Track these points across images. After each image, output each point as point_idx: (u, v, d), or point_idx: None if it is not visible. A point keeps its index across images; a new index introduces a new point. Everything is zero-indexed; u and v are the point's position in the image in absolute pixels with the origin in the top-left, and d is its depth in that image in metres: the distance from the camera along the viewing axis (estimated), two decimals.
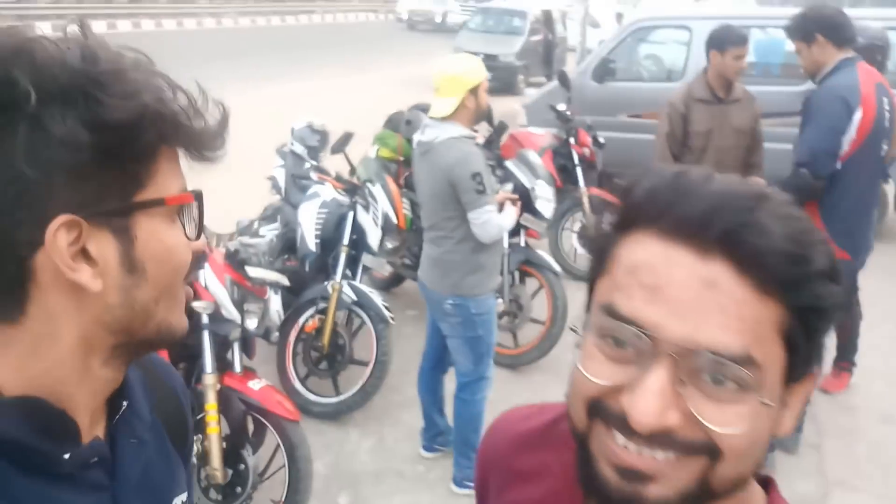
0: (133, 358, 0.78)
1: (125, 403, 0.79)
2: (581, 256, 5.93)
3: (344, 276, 3.94)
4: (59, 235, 0.66)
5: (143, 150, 0.70)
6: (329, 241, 4.06)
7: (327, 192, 4.24)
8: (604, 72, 7.63)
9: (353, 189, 4.01)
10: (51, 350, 0.70)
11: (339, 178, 4.05)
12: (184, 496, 0.88)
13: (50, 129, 0.64)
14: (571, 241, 5.90)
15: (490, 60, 14.98)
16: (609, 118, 7.63)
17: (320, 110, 7.48)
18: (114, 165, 0.68)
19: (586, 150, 5.86)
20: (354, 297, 3.84)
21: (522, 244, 4.52)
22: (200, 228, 0.78)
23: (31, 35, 0.67)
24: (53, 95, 0.64)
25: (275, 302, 4.12)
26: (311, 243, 4.06)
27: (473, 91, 3.03)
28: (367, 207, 4.00)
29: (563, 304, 4.32)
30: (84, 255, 0.68)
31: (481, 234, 3.00)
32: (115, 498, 0.76)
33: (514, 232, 4.56)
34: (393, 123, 5.25)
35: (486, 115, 3.13)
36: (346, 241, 3.96)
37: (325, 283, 3.92)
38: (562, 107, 5.94)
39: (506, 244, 4.39)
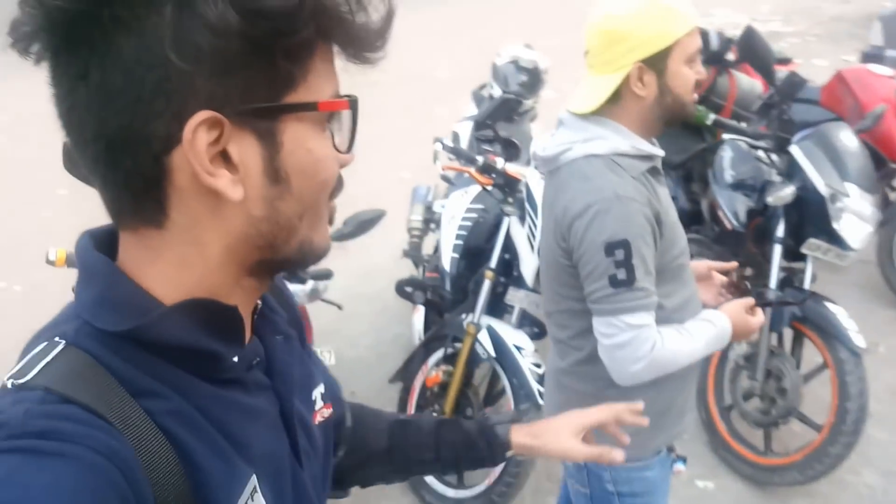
0: (275, 273, 0.73)
1: (259, 302, 0.77)
2: None
3: (489, 313, 2.61)
4: (198, 134, 0.59)
5: (298, 44, 0.61)
6: (475, 257, 2.71)
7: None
8: None
9: (506, 185, 2.56)
10: (199, 259, 0.65)
11: (486, 167, 2.56)
12: (321, 387, 0.88)
13: (199, 11, 0.57)
14: None
15: None
16: None
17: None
18: (264, 60, 0.60)
19: None
20: (492, 353, 2.50)
21: (806, 284, 2.72)
22: (352, 140, 0.70)
23: None
24: None
25: (417, 320, 2.95)
26: (446, 259, 2.75)
27: (654, 63, 1.47)
28: (523, 218, 2.55)
29: (858, 405, 2.51)
30: (224, 158, 0.62)
31: (610, 365, 1.48)
32: (278, 394, 0.75)
33: (795, 256, 2.76)
34: None
35: (692, 109, 1.51)
36: (493, 262, 2.58)
37: (463, 315, 2.63)
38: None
39: (773, 282, 2.65)
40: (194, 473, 0.62)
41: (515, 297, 2.61)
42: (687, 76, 1.51)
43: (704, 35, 3.60)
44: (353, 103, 0.68)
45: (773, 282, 2.66)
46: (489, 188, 2.56)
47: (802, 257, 2.75)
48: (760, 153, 2.80)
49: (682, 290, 1.58)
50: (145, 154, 0.60)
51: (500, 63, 3.66)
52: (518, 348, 2.49)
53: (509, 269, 2.64)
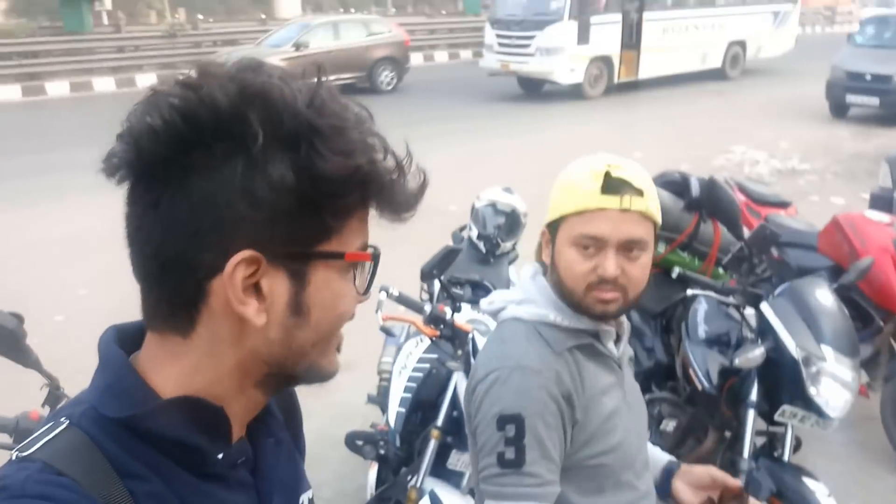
0: (282, 387, 0.81)
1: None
2: None
3: (440, 475, 2.42)
4: (238, 268, 0.69)
5: (344, 206, 0.72)
6: (430, 410, 2.55)
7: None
8: None
9: (454, 338, 2.43)
10: (213, 369, 0.74)
11: (433, 318, 2.43)
12: (310, 493, 0.91)
13: (267, 171, 0.67)
14: None
15: (881, 83, 11.85)
16: None
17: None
18: (310, 214, 0.70)
19: None
20: None
21: (786, 454, 2.50)
22: (370, 283, 0.80)
23: (271, 75, 0.70)
24: (278, 139, 0.68)
25: (371, 475, 2.77)
26: (392, 413, 2.60)
27: (552, 234, 1.41)
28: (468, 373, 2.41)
29: None
30: (256, 289, 0.71)
31: None
32: (260, 495, 0.81)
33: (769, 419, 2.55)
34: None
35: (580, 298, 1.35)
36: (440, 420, 2.42)
37: (409, 478, 2.44)
38: None
39: (746, 451, 2.43)
40: None
41: (460, 461, 2.43)
42: (569, 260, 1.34)
43: (685, 180, 3.54)
44: (375, 256, 0.77)
45: (746, 451, 2.45)
46: (436, 340, 2.44)
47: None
48: (732, 310, 2.65)
49: (607, 497, 1.38)
50: (190, 278, 0.70)
51: (479, 205, 3.63)
52: None
53: (458, 427, 2.47)
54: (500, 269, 3.52)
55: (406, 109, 12.81)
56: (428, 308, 2.46)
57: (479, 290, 3.25)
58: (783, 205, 4.38)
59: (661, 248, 3.61)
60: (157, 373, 0.74)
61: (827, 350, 2.39)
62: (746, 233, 2.81)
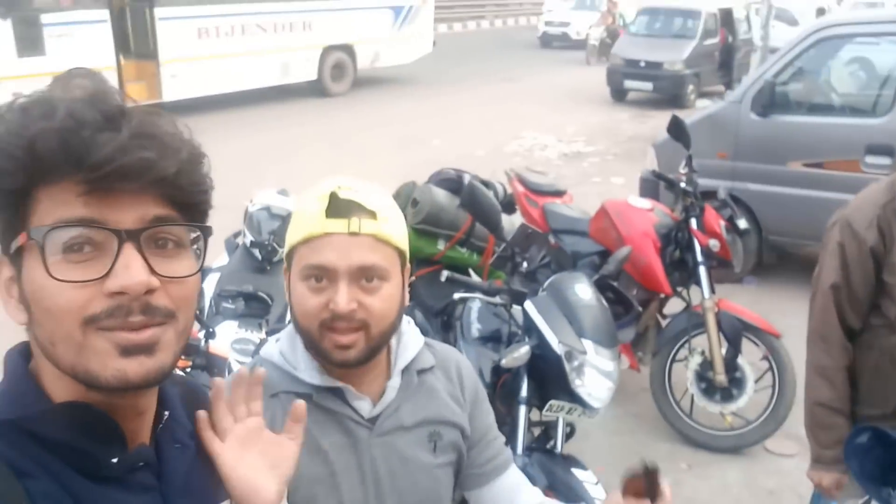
0: (101, 393, 0.74)
1: (167, 413, 0.85)
2: (700, 409, 3.77)
3: None
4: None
5: (8, 185, 0.72)
6: None
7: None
8: (769, 100, 5.29)
9: (209, 367, 2.24)
10: (49, 368, 0.75)
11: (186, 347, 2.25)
12: (227, 503, 0.90)
13: None
14: (685, 382, 3.76)
15: (653, 69, 12.88)
16: (775, 168, 5.33)
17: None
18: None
19: (714, 243, 3.68)
20: None
21: (558, 445, 2.56)
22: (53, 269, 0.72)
23: None
24: None
25: None
26: None
27: (289, 264, 1.21)
28: None
29: None
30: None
31: None
32: (164, 497, 0.80)
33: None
34: (401, 199, 3.44)
35: (318, 342, 1.14)
36: None
37: None
38: (667, 169, 3.82)
39: (519, 447, 2.47)
40: None
41: None
42: (300, 296, 1.15)
43: (460, 178, 3.56)
44: (39, 235, 0.71)
45: (520, 446, 2.47)
46: (187, 371, 2.23)
47: None
48: (501, 309, 2.67)
49: None
50: None
51: (252, 209, 3.42)
52: None
53: None
54: (277, 277, 3.33)
55: None
56: None
57: (253, 302, 3.06)
58: (559, 193, 4.56)
59: (441, 246, 3.61)
60: (45, 378, 0.76)
61: (587, 343, 2.46)
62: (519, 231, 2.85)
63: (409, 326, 1.30)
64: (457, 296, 2.51)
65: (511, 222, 3.40)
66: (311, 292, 1.13)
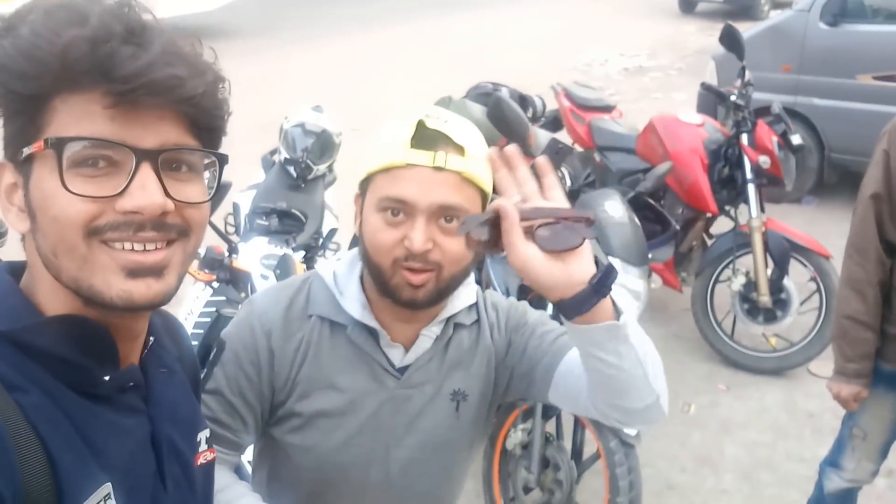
0: (97, 309, 0.73)
1: (152, 339, 0.85)
2: (742, 331, 3.68)
3: None
4: (1, 174, 0.75)
5: (32, 91, 0.70)
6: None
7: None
8: (841, 7, 4.93)
9: (234, 282, 2.29)
10: (51, 283, 0.74)
11: (209, 261, 2.25)
12: (207, 432, 0.92)
13: None
14: (728, 302, 3.67)
15: None
16: (843, 81, 5.01)
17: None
18: (13, 107, 0.71)
19: (765, 159, 3.51)
20: None
21: None
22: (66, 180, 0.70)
23: None
24: None
25: None
26: None
27: (362, 194, 1.17)
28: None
29: (628, 499, 2.32)
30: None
31: None
32: (152, 421, 0.81)
33: None
34: None
35: (389, 277, 1.11)
36: None
37: None
38: (725, 83, 3.62)
39: None
40: (50, 462, 0.68)
41: None
42: (374, 229, 1.10)
43: (497, 92, 3.45)
44: (56, 144, 0.69)
45: None
46: (214, 285, 2.28)
47: None
48: None
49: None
50: None
51: (287, 126, 3.41)
52: None
53: None
54: (313, 195, 3.35)
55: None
56: (203, 251, 2.28)
57: (287, 219, 3.09)
58: (607, 108, 4.40)
59: None
60: (40, 293, 0.74)
61: (615, 261, 2.42)
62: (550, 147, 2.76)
63: (468, 278, 1.23)
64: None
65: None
66: (386, 226, 1.08)
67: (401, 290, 1.10)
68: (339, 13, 12.93)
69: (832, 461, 2.24)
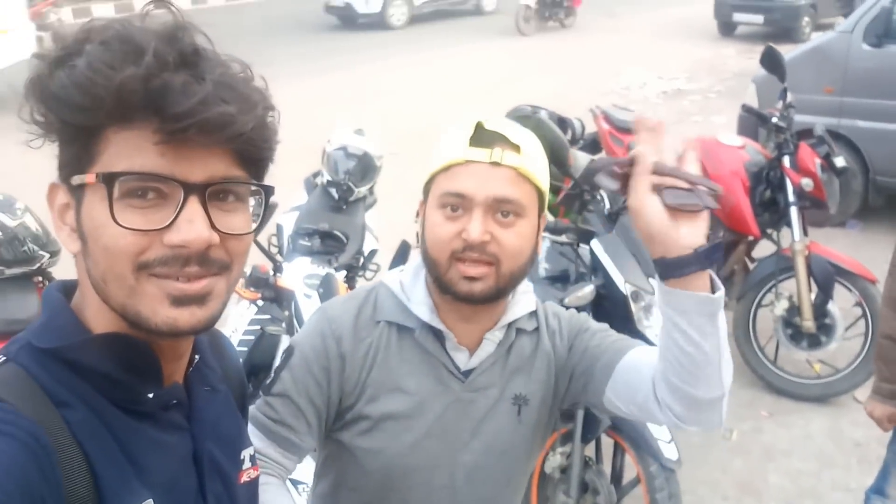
0: (143, 333, 0.75)
1: (197, 357, 0.86)
2: (785, 356, 3.62)
3: None
4: (53, 194, 0.77)
5: (87, 124, 0.72)
6: (258, 378, 2.45)
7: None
8: (885, 28, 4.87)
9: (278, 300, 2.33)
10: (99, 304, 0.76)
11: (255, 280, 2.31)
12: (251, 450, 0.93)
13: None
14: (771, 327, 3.62)
15: (764, 0, 12.04)
16: (887, 102, 4.93)
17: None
18: (68, 136, 0.74)
19: (808, 182, 3.47)
20: None
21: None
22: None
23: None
24: (55, 62, 0.73)
25: None
26: None
27: (425, 199, 1.25)
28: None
29: None
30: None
31: None
32: (195, 438, 0.82)
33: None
34: None
35: (445, 272, 1.15)
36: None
37: None
38: (767, 105, 3.60)
39: None
40: (93, 477, 0.71)
41: None
42: (434, 223, 1.14)
43: (569, 122, 3.48)
44: (107, 178, 0.71)
45: None
46: (259, 303, 2.33)
47: None
48: (567, 248, 2.63)
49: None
50: None
51: (329, 149, 3.47)
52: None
53: None
54: (354, 216, 3.40)
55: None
56: (248, 270, 2.34)
57: (329, 240, 3.14)
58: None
59: None
60: (89, 311, 0.77)
61: (655, 283, 2.40)
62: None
63: (527, 286, 1.28)
64: None
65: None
66: (445, 220, 1.13)
67: (456, 284, 1.13)
68: (380, 38, 13.13)
69: (878, 488, 2.19)
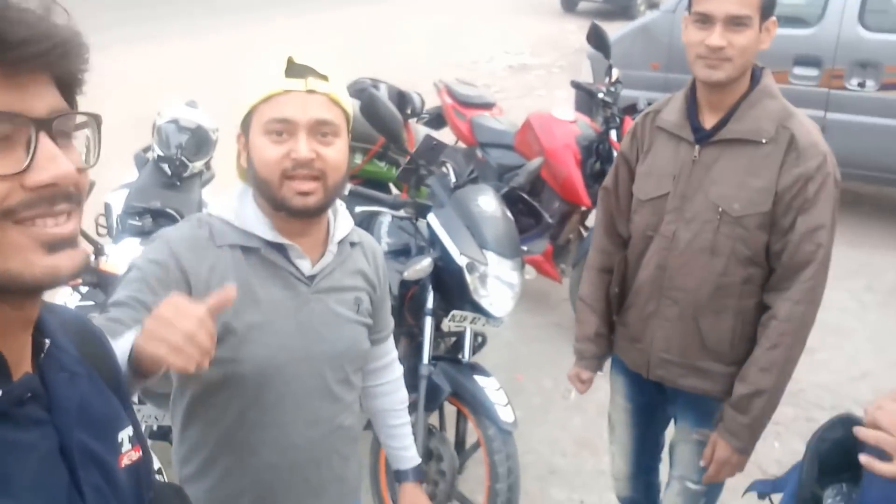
0: (12, 298, 0.70)
1: (48, 341, 0.78)
2: None
3: None
4: None
5: None
6: None
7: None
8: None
9: (101, 285, 2.21)
10: None
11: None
12: (129, 430, 0.86)
13: None
14: None
15: None
16: None
17: None
18: None
19: None
20: None
21: (466, 355, 2.60)
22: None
23: None
24: None
25: None
26: None
27: (245, 132, 1.44)
28: None
29: (507, 485, 2.40)
30: None
31: None
32: (58, 429, 0.75)
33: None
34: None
35: (276, 191, 1.30)
36: None
37: None
38: (599, 80, 3.79)
39: (425, 357, 2.50)
40: None
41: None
42: (261, 148, 1.28)
43: (376, 88, 3.47)
44: None
45: (426, 356, 2.52)
46: (82, 290, 2.19)
47: None
48: (407, 223, 2.66)
49: (236, 416, 1.38)
50: None
51: (160, 122, 3.30)
52: None
53: None
54: (189, 193, 3.26)
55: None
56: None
57: (161, 219, 2.99)
58: (488, 105, 4.50)
59: (358, 160, 3.56)
60: None
61: (489, 254, 2.49)
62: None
63: (342, 207, 1.45)
64: (358, 209, 2.49)
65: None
66: (272, 144, 1.27)
67: (291, 199, 1.28)
68: (223, 2, 12.56)
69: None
